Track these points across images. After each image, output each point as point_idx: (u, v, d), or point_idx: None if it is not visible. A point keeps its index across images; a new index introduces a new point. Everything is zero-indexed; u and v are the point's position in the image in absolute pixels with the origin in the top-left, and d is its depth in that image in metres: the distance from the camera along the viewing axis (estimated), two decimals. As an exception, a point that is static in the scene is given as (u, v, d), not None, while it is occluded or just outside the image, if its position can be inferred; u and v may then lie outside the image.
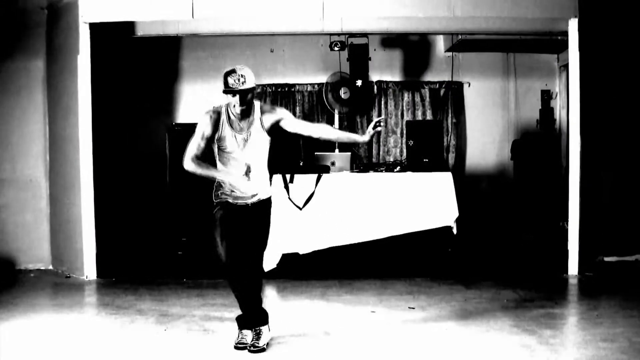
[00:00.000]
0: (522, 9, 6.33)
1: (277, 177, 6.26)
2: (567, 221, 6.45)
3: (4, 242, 6.86)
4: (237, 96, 3.97)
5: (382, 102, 8.46)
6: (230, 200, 4.12)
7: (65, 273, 6.60)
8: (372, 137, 4.25)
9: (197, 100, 8.12)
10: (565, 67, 7.77)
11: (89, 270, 6.33)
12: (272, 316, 4.33)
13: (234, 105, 4.00)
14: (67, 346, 4.23)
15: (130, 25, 7.13)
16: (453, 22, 6.94)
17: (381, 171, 6.73)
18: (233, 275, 4.11)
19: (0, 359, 3.97)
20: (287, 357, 4.01)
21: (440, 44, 8.52)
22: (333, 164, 6.67)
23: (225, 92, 3.97)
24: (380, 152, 8.46)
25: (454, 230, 6.42)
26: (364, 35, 7.48)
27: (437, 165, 6.69)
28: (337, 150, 7.61)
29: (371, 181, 6.47)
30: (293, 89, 8.42)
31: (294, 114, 8.39)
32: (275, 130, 4.17)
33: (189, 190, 7.34)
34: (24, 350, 4.16)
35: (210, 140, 4.07)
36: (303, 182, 6.34)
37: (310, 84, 8.40)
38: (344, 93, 8.01)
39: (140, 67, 8.11)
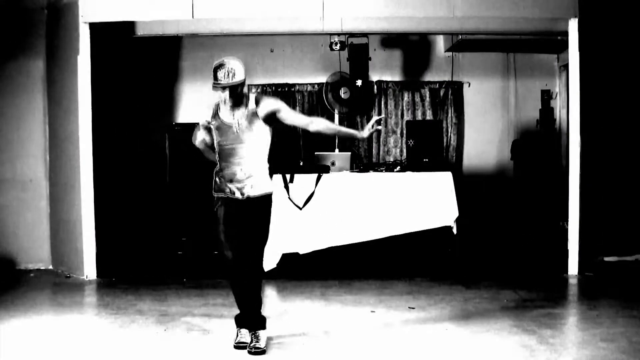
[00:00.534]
0: (522, 9, 6.33)
1: (277, 177, 6.26)
2: (567, 221, 6.45)
3: (4, 242, 6.86)
4: (227, 90, 4.00)
5: (382, 102, 8.47)
6: (230, 195, 4.09)
7: (65, 273, 6.60)
8: (371, 134, 4.23)
9: (197, 100, 8.12)
10: (565, 67, 7.78)
11: (89, 270, 6.33)
12: (272, 316, 4.33)
13: (224, 100, 4.04)
14: (67, 346, 4.23)
15: (130, 25, 7.14)
16: (453, 22, 6.94)
17: (381, 171, 6.73)
18: (238, 273, 4.10)
19: (0, 359, 3.97)
20: (287, 357, 4.01)
21: (440, 44, 8.52)
22: (333, 163, 6.67)
23: (214, 87, 4.02)
24: (380, 152, 8.46)
25: (454, 230, 6.42)
26: (364, 35, 7.48)
27: (437, 165, 6.69)
28: (337, 150, 7.62)
29: (371, 181, 6.47)
30: (293, 89, 8.42)
31: (294, 113, 8.41)
32: (273, 121, 4.16)
33: (189, 190, 7.36)
34: (24, 350, 4.16)
35: (208, 130, 4.18)
36: (303, 182, 6.34)
37: (310, 84, 8.41)
38: (344, 93, 8.01)
39: (140, 67, 8.11)
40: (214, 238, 4.18)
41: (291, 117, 4.19)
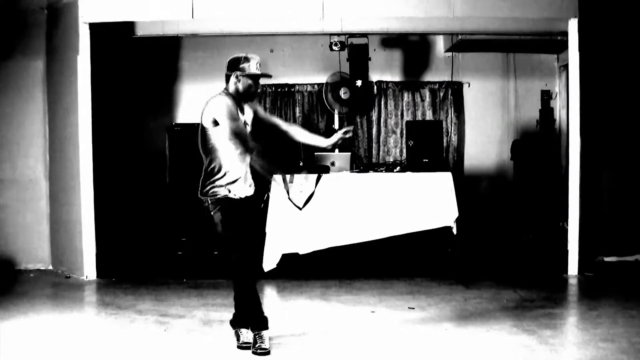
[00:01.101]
0: (522, 9, 6.32)
1: (277, 177, 6.25)
2: (567, 221, 6.45)
3: (4, 242, 6.86)
4: (259, 80, 4.09)
5: (382, 102, 8.47)
6: (230, 195, 4.04)
7: (65, 273, 6.60)
8: (336, 142, 4.23)
9: (197, 100, 8.04)
10: (565, 67, 7.77)
11: (89, 270, 6.33)
12: (272, 316, 4.32)
13: (247, 90, 4.05)
14: (67, 346, 4.23)
15: (130, 25, 7.14)
16: (453, 22, 6.94)
17: (381, 171, 6.73)
18: (250, 271, 4.09)
19: (0, 359, 3.97)
20: (287, 357, 4.01)
21: (440, 44, 8.52)
22: (333, 164, 6.67)
23: (262, 76, 4.07)
24: (380, 152, 8.46)
25: (454, 230, 6.41)
26: (364, 35, 7.49)
27: (437, 165, 6.69)
28: (337, 150, 7.61)
29: (371, 181, 6.47)
30: (293, 89, 8.42)
31: (294, 113, 8.43)
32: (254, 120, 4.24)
33: (189, 191, 7.35)
34: (24, 350, 4.16)
35: (217, 125, 3.99)
36: (303, 182, 6.33)
37: (310, 84, 8.41)
38: (343, 93, 8.01)
39: (140, 67, 8.10)
40: (221, 241, 4.13)
41: (268, 117, 4.30)
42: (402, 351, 4.10)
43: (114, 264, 6.50)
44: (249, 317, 4.13)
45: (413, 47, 8.53)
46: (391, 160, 8.15)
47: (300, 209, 6.25)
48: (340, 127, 8.00)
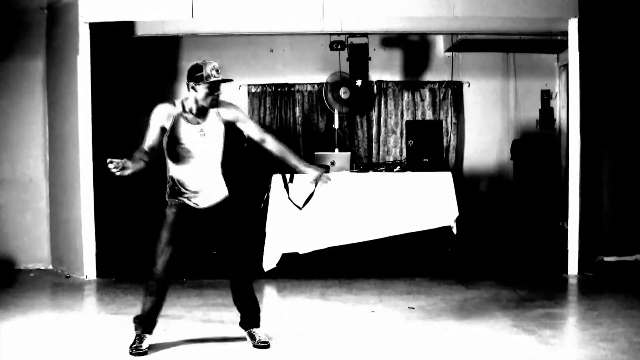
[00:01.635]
0: (522, 9, 6.32)
1: (277, 177, 6.26)
2: (567, 221, 6.45)
3: (4, 242, 6.85)
4: (218, 86, 3.95)
5: (382, 102, 8.47)
6: (188, 203, 4.08)
7: (65, 273, 6.60)
8: (314, 178, 4.10)
9: (196, 100, 8.10)
10: (565, 67, 7.78)
11: (89, 270, 6.33)
12: (272, 315, 4.33)
13: (208, 97, 3.95)
14: (66, 346, 4.23)
15: (130, 25, 7.13)
16: (453, 22, 6.94)
17: (381, 171, 6.73)
18: (161, 283, 4.23)
19: (0, 359, 3.97)
20: (287, 356, 4.01)
21: (440, 44, 8.52)
22: (333, 163, 6.68)
23: (222, 82, 3.92)
24: (380, 152, 8.46)
25: (454, 230, 6.42)
26: (364, 35, 7.49)
27: (437, 165, 6.69)
28: (337, 149, 7.62)
29: (371, 181, 6.47)
30: (293, 89, 8.42)
31: (294, 113, 8.41)
32: (231, 129, 4.10)
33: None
34: (23, 349, 4.15)
35: (163, 133, 4.16)
36: (303, 182, 6.33)
37: (310, 84, 8.41)
38: (343, 93, 8.01)
39: (140, 67, 8.10)
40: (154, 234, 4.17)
41: (251, 130, 4.15)
42: (402, 351, 4.10)
43: (113, 264, 6.49)
44: (142, 317, 4.16)
45: (413, 47, 8.53)
46: (391, 160, 8.15)
47: (300, 208, 6.25)
48: (340, 127, 8.03)
